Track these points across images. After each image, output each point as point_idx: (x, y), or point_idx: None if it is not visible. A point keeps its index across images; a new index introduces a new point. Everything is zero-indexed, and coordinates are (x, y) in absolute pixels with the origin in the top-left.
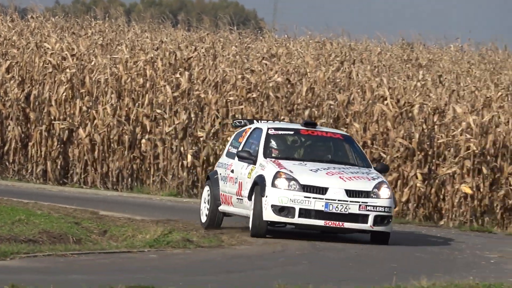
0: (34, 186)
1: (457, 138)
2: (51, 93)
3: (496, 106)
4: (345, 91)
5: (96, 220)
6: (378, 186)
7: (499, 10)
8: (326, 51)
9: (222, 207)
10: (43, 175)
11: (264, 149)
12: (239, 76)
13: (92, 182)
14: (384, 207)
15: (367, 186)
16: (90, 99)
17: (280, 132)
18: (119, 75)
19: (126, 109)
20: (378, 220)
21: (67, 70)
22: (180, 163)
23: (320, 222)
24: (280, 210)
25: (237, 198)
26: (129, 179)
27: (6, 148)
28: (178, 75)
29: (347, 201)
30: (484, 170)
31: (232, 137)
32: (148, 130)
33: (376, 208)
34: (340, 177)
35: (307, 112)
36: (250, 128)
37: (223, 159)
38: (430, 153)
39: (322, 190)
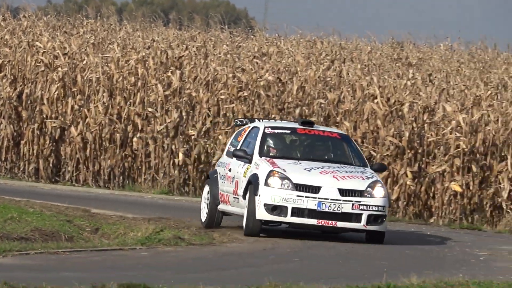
0: (26, 184)
1: (447, 136)
2: (43, 92)
3: (486, 104)
4: (335, 89)
5: (88, 218)
6: (372, 185)
7: (488, 9)
8: (317, 50)
9: (221, 206)
10: (35, 173)
11: (260, 148)
12: (230, 75)
13: (84, 180)
14: (378, 206)
15: (361, 185)
16: (82, 98)
17: (276, 131)
18: (110, 73)
19: (118, 107)
20: (371, 219)
21: (59, 68)
22: (171, 161)
23: (313, 221)
24: (272, 209)
25: (234, 197)
26: (121, 177)
27: None
28: (169, 74)
29: (340, 200)
30: (474, 168)
31: (232, 136)
32: (140, 128)
33: (369, 207)
34: (333, 176)
35: (297, 111)
36: (249, 127)
37: (223, 158)
38: (420, 151)
39: (315, 189)
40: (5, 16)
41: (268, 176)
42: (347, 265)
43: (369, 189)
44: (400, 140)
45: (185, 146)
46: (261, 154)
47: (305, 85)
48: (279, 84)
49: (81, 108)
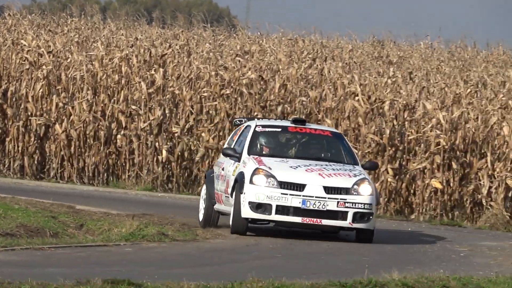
0: (12, 181)
1: (427, 134)
2: (28, 90)
3: (466, 102)
4: (317, 87)
5: (72, 214)
6: (358, 183)
7: (468, 7)
8: (298, 48)
9: (216, 206)
10: (20, 170)
11: (249, 146)
12: (213, 73)
13: (68, 177)
14: (364, 204)
15: (347, 182)
16: (67, 96)
17: (267, 129)
18: (94, 71)
19: (102, 105)
20: (357, 217)
21: (44, 67)
22: (155, 158)
23: (297, 219)
24: (257, 206)
25: (225, 196)
26: (105, 174)
27: None
28: (153, 72)
29: (325, 197)
30: (454, 165)
31: (230, 136)
32: (124, 126)
33: (355, 205)
34: (319, 173)
35: (279, 109)
36: (244, 125)
37: (220, 157)
38: (400, 148)
39: (300, 187)
40: None
41: (253, 174)
42: (329, 261)
43: (355, 186)
44: (381, 138)
45: (168, 143)
46: (250, 152)
47: (287, 83)
48: (261, 82)
49: (66, 106)
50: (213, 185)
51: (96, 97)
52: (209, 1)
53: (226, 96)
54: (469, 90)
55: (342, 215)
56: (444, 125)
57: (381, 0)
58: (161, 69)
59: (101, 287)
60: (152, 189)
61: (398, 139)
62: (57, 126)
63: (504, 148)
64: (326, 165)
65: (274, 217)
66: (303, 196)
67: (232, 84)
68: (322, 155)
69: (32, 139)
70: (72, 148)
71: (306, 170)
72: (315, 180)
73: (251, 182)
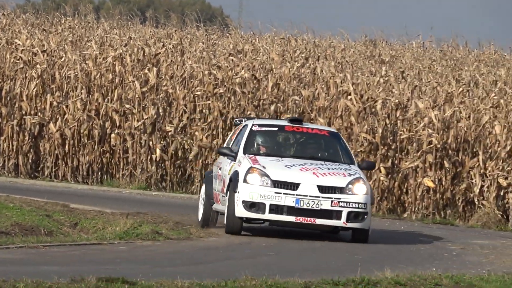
0: (6, 179)
1: (420, 132)
2: (22, 89)
3: (457, 101)
4: (310, 86)
5: (67, 213)
6: (353, 182)
7: (460, 7)
8: (291, 48)
9: (214, 206)
10: (15, 169)
11: (245, 145)
12: (206, 72)
13: (63, 176)
14: (359, 203)
15: (341, 182)
16: (61, 94)
17: (263, 129)
18: (88, 70)
19: (96, 104)
20: (351, 216)
21: (38, 66)
22: (149, 157)
23: (291, 218)
24: (250, 206)
25: (222, 196)
26: (99, 173)
27: None
28: (146, 71)
29: (318, 197)
30: (446, 164)
31: (229, 135)
32: (118, 124)
33: (349, 204)
34: (313, 173)
35: (272, 107)
36: (242, 125)
37: (219, 157)
38: (393, 147)
39: (294, 186)
40: None
41: (247, 173)
42: (322, 259)
43: (350, 186)
44: (373, 137)
45: (162, 142)
46: (245, 151)
47: (280, 82)
48: (254, 81)
49: (60, 105)
50: (211, 185)
51: (90, 96)
52: (202, 1)
53: (219, 95)
54: (461, 89)
55: (336, 215)
56: (436, 124)
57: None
58: (154, 68)
59: (95, 285)
60: (146, 188)
61: (391, 138)
62: (51, 125)
63: (495, 147)
64: (321, 164)
65: (267, 216)
66: (297, 195)
67: (225, 83)
68: (319, 154)
69: (27, 138)
70: (66, 147)
71: (300, 169)
72: (309, 179)
73: (245, 181)
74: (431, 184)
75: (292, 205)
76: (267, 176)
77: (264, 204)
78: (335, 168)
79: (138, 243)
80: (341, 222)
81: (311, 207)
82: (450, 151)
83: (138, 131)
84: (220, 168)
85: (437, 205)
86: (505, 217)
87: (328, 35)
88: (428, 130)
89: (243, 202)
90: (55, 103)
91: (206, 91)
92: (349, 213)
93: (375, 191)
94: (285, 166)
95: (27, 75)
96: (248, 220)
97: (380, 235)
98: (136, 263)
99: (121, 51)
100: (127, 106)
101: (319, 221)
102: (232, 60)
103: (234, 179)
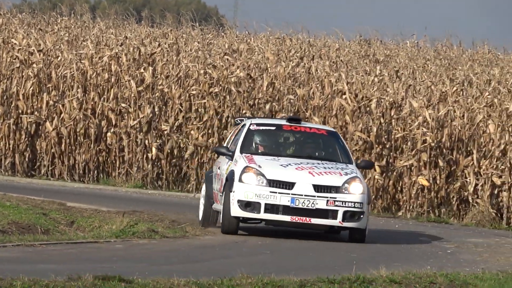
0: (3, 178)
1: (414, 131)
2: (18, 88)
3: (452, 100)
4: (304, 86)
5: (63, 211)
6: (349, 181)
7: (458, 7)
8: (286, 47)
9: (214, 205)
10: (12, 167)
11: (242, 144)
12: (202, 71)
13: (59, 174)
14: (355, 202)
15: (337, 181)
16: (57, 94)
17: (261, 128)
18: (85, 70)
19: (92, 103)
20: (347, 216)
21: (34, 65)
22: (145, 156)
23: (287, 218)
24: (246, 205)
25: (220, 195)
26: (95, 171)
27: None
28: (142, 70)
29: (314, 196)
30: (440, 163)
31: (229, 135)
32: (114, 123)
33: (345, 204)
34: (309, 172)
35: (268, 106)
36: (241, 125)
37: (219, 157)
38: (387, 146)
39: (289, 185)
40: None
41: (243, 172)
42: (317, 258)
43: (346, 185)
44: (368, 135)
45: (158, 141)
46: (242, 150)
47: (275, 81)
48: (250, 80)
49: (56, 104)
50: (211, 185)
51: (86, 95)
52: (197, 0)
53: (214, 94)
54: (455, 88)
55: (332, 214)
56: (431, 123)
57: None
58: (150, 68)
59: (92, 283)
60: (142, 186)
61: (385, 136)
62: (47, 124)
63: (489, 146)
64: (318, 163)
65: (263, 215)
66: (292, 194)
67: (220, 82)
68: (316, 153)
69: (23, 136)
70: (63, 145)
71: (296, 168)
72: (305, 178)
73: (240, 180)
74: (425, 183)
75: (288, 205)
76: (263, 175)
77: (259, 204)
78: (331, 168)
79: (135, 242)
80: (337, 222)
81: (307, 206)
82: (444, 150)
83: (134, 130)
84: (219, 168)
85: (431, 203)
86: (499, 215)
87: (322, 35)
88: (422, 129)
89: (238, 201)
90: (51, 102)
91: (202, 90)
92: (345, 213)
93: (370, 190)
94: (281, 165)
95: (23, 74)
96: (245, 220)
97: (375, 234)
98: (133, 261)
99: (117, 51)
100: (123, 105)
101: (314, 221)
102: (228, 59)
103: (230, 179)
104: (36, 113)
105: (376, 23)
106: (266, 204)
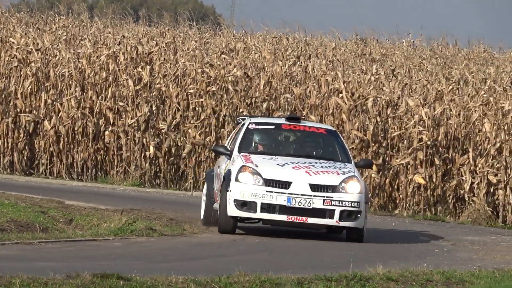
0: (2, 176)
1: (410, 130)
2: (17, 87)
3: (447, 99)
4: (301, 84)
5: (62, 210)
6: (346, 181)
7: (457, 7)
8: (283, 46)
9: (215, 205)
10: (10, 166)
11: (240, 143)
12: (199, 70)
13: (57, 173)
14: (352, 202)
15: (334, 180)
16: (55, 92)
17: (260, 127)
18: (82, 69)
19: (90, 102)
20: (344, 215)
21: (32, 64)
22: (142, 154)
23: (283, 217)
24: (242, 204)
25: (219, 194)
26: (94, 170)
27: None
28: (139, 69)
29: (310, 195)
30: (436, 161)
31: (230, 134)
32: (111, 122)
33: (342, 203)
34: (306, 171)
35: (265, 105)
36: (241, 124)
37: (220, 156)
38: (384, 144)
39: (286, 185)
40: None
41: (239, 171)
42: (314, 256)
43: (343, 184)
44: (364, 134)
45: (155, 140)
46: (240, 149)
47: (271, 80)
48: (247, 79)
49: (54, 103)
50: (212, 184)
51: (84, 94)
52: (194, 0)
53: (212, 93)
54: (450, 87)
55: (329, 213)
56: (427, 122)
57: None
58: (147, 67)
59: (90, 281)
60: (140, 185)
61: (382, 135)
62: (46, 122)
63: (485, 144)
64: (316, 162)
65: (259, 215)
66: (289, 193)
67: (218, 81)
68: (314, 152)
69: (22, 135)
70: (61, 144)
71: (293, 168)
72: (301, 178)
73: (236, 179)
74: (421, 181)
75: (284, 204)
76: (259, 174)
77: (255, 203)
78: (329, 167)
79: (133, 239)
80: (333, 221)
81: (303, 206)
82: (440, 148)
83: (131, 129)
84: (219, 167)
85: (428, 201)
86: (495, 213)
87: (319, 34)
88: (418, 128)
89: (235, 201)
90: (49, 101)
91: (199, 89)
92: (341, 212)
93: (368, 189)
94: (278, 164)
95: (21, 73)
96: (242, 219)
97: (372, 232)
98: (131, 259)
99: (114, 50)
100: (121, 103)
101: (311, 220)
102: (225, 58)
103: (227, 178)
104: (34, 111)
105: (372, 22)
106: (262, 204)
